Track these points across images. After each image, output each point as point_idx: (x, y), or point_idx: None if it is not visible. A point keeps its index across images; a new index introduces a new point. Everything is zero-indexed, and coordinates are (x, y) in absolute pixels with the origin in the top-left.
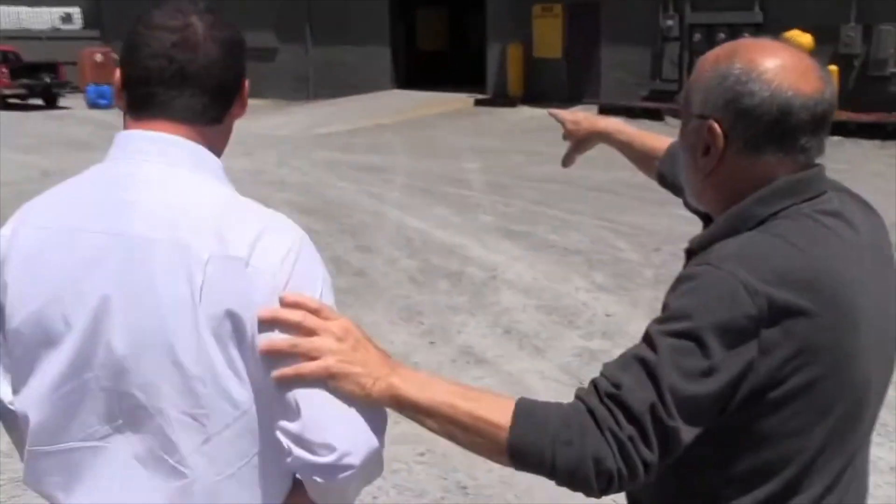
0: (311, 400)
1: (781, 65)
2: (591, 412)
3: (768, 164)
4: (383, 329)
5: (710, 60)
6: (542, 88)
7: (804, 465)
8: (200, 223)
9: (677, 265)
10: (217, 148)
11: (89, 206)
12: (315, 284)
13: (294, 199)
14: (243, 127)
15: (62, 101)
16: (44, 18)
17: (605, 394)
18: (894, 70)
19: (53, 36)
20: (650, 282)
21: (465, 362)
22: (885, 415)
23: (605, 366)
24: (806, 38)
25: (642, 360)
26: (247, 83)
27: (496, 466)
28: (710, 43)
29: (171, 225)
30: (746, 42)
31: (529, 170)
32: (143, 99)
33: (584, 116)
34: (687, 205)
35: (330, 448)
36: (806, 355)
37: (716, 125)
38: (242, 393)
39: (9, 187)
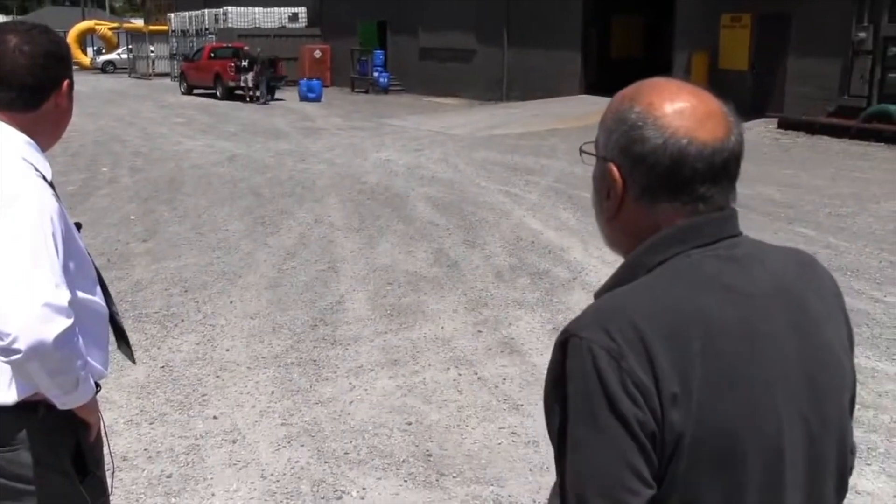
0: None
1: (680, 110)
2: None
3: (665, 213)
4: (443, 317)
5: (618, 99)
6: (725, 100)
7: None
8: None
9: None
10: (39, 127)
11: None
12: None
13: (432, 193)
14: (425, 124)
15: (279, 94)
16: (274, 17)
17: None
18: None
19: (280, 33)
20: None
21: (499, 351)
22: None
23: None
24: None
25: None
26: (66, 83)
27: (467, 440)
28: None
29: None
30: (651, 83)
31: None
32: None
33: None
34: None
35: (5, 334)
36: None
37: (615, 170)
38: None
39: (195, 170)
